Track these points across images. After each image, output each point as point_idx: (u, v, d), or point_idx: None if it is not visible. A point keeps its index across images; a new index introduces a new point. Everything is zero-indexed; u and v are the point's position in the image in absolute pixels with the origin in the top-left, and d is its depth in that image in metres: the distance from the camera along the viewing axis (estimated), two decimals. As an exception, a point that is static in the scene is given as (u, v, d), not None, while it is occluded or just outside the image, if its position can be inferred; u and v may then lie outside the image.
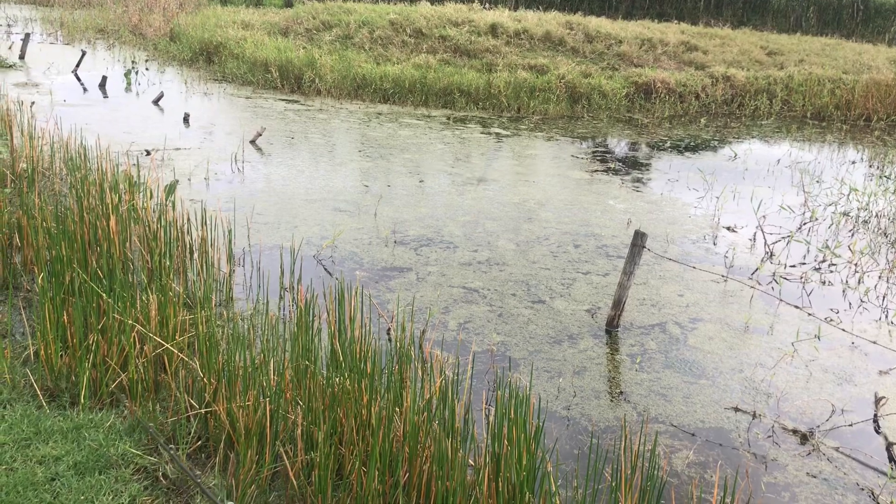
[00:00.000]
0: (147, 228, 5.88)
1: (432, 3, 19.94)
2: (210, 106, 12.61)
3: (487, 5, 21.13)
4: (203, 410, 3.79)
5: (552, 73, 15.08)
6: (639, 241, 5.44)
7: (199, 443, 3.71)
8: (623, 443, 3.62)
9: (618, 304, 5.58)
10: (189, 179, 8.31)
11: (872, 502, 3.90)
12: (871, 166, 11.84)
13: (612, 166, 10.62)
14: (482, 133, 12.18)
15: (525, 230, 7.57)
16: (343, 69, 14.66)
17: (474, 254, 6.83)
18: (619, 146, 12.18)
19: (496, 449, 3.40)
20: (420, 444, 3.43)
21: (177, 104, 12.45)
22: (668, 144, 12.41)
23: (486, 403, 4.38)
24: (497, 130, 12.47)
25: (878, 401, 4.81)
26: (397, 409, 3.70)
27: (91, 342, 4.07)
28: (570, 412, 4.49)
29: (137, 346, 4.05)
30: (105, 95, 12.86)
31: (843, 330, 5.57)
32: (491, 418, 3.77)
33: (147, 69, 15.66)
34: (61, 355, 4.14)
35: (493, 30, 17.19)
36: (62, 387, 4.03)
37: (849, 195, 9.55)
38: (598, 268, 6.72)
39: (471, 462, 3.65)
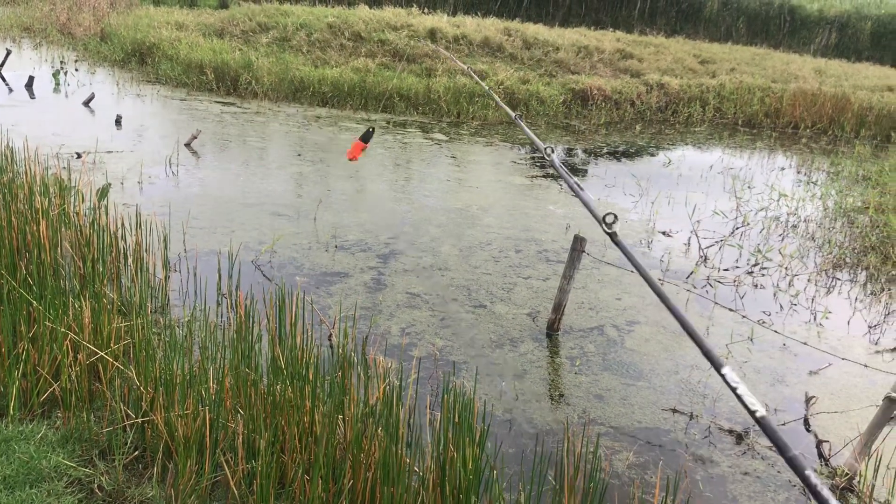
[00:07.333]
0: (79, 233, 5.70)
1: (371, 7, 19.89)
2: (143, 108, 12.32)
3: (426, 10, 21.17)
4: (140, 420, 3.69)
5: (491, 79, 15.18)
6: (578, 245, 5.51)
7: (136, 453, 3.61)
8: (566, 445, 3.66)
9: (558, 308, 5.64)
10: (122, 183, 8.11)
11: (803, 498, 4.02)
12: (799, 172, 12.24)
13: (551, 172, 10.73)
14: (423, 138, 12.18)
15: (468, 236, 7.60)
16: (280, 72, 14.50)
17: (417, 259, 6.82)
18: (557, 152, 12.33)
19: (440, 453, 3.40)
20: (364, 451, 3.41)
21: (108, 106, 12.12)
22: (604, 150, 12.61)
23: (430, 408, 4.37)
24: (438, 136, 12.49)
25: (808, 400, 4.97)
26: (340, 416, 3.67)
27: (21, 351, 3.93)
28: (513, 415, 4.51)
29: (70, 355, 3.92)
30: (32, 96, 12.45)
31: (775, 331, 5.73)
32: (436, 423, 3.77)
33: (77, 70, 15.22)
34: (-11, 365, 3.98)
35: (432, 35, 17.23)
36: (-10, 398, 3.88)
37: (779, 200, 9.84)
38: (539, 272, 6.78)
39: (416, 468, 3.63)
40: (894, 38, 27.46)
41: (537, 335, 5.59)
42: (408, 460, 3.37)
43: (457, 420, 3.42)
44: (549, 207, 8.88)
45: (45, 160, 8.19)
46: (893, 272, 7.50)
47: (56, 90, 13.14)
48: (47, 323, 4.05)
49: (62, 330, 3.97)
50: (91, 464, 3.50)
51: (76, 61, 16.18)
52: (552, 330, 5.64)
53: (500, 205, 8.79)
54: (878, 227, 8.68)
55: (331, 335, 5.21)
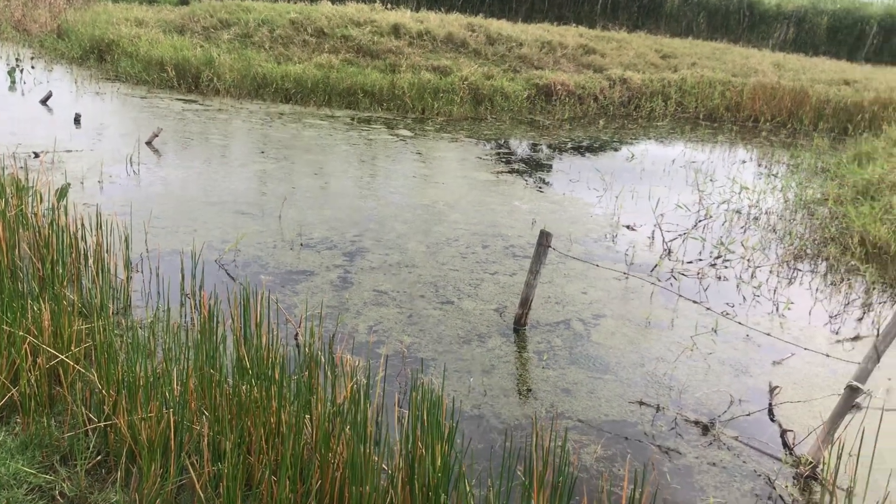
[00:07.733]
0: (38, 234, 5.59)
1: (333, 3, 19.76)
2: (103, 106, 12.12)
3: (389, 6, 21.09)
4: (102, 424, 3.63)
5: (455, 75, 15.17)
6: (544, 240, 5.52)
7: (99, 458, 3.54)
8: (534, 440, 3.66)
9: (525, 303, 5.65)
10: (82, 183, 7.96)
11: (768, 487, 4.07)
12: (759, 165, 12.41)
13: (517, 167, 10.76)
14: (388, 134, 12.14)
15: (435, 232, 7.58)
16: (243, 68, 14.36)
17: (383, 256, 6.79)
18: (522, 147, 12.36)
19: (409, 451, 3.38)
20: (332, 451, 3.38)
21: (67, 104, 11.90)
22: (568, 145, 12.67)
23: (398, 406, 4.35)
24: (403, 132, 12.45)
25: (772, 390, 5.04)
26: (307, 416, 3.63)
27: (-23, 356, 3.83)
28: (482, 411, 4.51)
29: (29, 359, 3.83)
30: (-13, 94, 12.19)
31: (739, 323, 5.79)
32: (404, 421, 3.75)
33: (33, 67, 14.92)
34: (-56, 371, 3.88)
35: (396, 30, 17.17)
36: (-54, 405, 3.78)
37: (740, 193, 9.97)
38: (506, 268, 6.79)
39: (384, 466, 3.61)
40: (850, 32, 28.00)
41: (504, 330, 5.60)
42: (376, 459, 3.34)
43: (425, 417, 3.41)
44: (515, 203, 8.89)
45: (2, 160, 8.02)
46: (853, 263, 7.63)
47: (12, 88, 12.87)
48: (5, 326, 3.95)
49: (20, 333, 3.88)
50: (52, 470, 3.43)
51: (32, 59, 15.87)
52: (519, 325, 5.65)
53: (466, 201, 8.78)
54: (837, 218, 8.82)
55: (297, 334, 5.16)
